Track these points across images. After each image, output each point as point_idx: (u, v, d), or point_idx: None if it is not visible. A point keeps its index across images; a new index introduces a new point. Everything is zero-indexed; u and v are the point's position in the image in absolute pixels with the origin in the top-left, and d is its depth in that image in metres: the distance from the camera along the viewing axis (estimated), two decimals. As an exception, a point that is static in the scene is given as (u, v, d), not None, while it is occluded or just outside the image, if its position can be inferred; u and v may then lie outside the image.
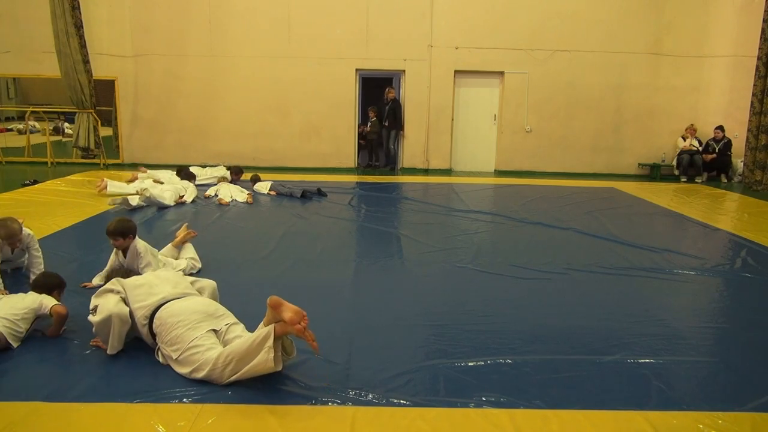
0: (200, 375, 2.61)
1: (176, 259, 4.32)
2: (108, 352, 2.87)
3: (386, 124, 10.99)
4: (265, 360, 2.48)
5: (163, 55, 10.56)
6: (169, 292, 2.94)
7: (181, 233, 4.48)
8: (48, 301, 3.13)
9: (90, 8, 10.18)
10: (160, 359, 2.80)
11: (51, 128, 11.53)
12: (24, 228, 3.97)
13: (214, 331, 2.76)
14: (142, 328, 2.88)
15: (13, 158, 10.70)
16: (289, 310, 2.49)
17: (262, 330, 2.55)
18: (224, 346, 2.70)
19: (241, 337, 2.76)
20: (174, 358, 2.70)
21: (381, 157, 11.38)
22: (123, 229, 3.79)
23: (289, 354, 2.64)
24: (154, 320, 2.82)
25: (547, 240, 5.76)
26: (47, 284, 3.31)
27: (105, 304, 2.88)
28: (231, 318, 2.89)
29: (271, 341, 2.48)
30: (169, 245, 4.41)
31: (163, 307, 2.84)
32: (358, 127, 11.38)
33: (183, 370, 2.67)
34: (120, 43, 10.49)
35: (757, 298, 4.13)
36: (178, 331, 2.71)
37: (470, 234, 5.92)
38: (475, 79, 10.97)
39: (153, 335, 2.85)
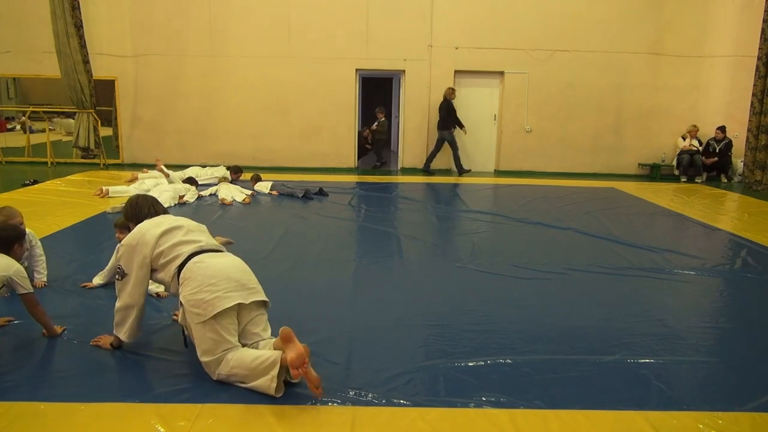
0: (208, 370, 2.62)
1: None
2: (124, 339, 2.86)
3: (457, 128, 10.55)
4: (267, 387, 2.49)
5: (163, 55, 10.56)
6: (206, 242, 2.83)
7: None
8: (18, 278, 2.93)
9: (90, 8, 10.19)
10: (179, 318, 2.75)
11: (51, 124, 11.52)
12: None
13: (240, 304, 2.65)
14: (170, 278, 2.75)
15: (13, 158, 10.71)
16: (293, 351, 2.42)
17: (271, 355, 2.51)
18: (242, 336, 2.67)
19: (261, 337, 2.71)
20: (194, 322, 2.61)
21: (389, 157, 11.34)
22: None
23: (293, 378, 2.61)
24: (183, 271, 2.69)
25: (547, 240, 5.76)
26: (4, 239, 3.05)
27: (130, 286, 2.77)
28: (260, 294, 2.76)
29: (276, 371, 2.46)
30: None
31: (197, 257, 2.72)
32: (362, 131, 11.35)
33: (198, 347, 2.61)
34: (120, 43, 10.50)
35: (757, 298, 4.14)
36: (205, 295, 2.59)
37: (470, 234, 5.92)
38: (475, 79, 10.97)
39: (178, 281, 2.72)
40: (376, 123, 11.44)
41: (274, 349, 2.58)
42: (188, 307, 2.63)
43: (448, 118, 10.40)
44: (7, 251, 3.05)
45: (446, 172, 11.05)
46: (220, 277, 2.64)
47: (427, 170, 10.68)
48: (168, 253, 2.77)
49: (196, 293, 2.61)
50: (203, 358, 2.61)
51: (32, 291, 3.01)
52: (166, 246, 2.78)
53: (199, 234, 2.91)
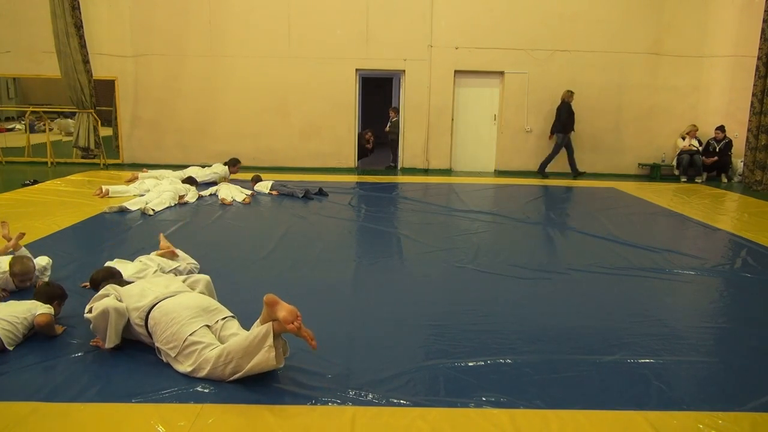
0: (202, 374, 2.62)
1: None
2: (106, 345, 2.88)
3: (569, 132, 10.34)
4: (266, 359, 2.52)
5: (163, 55, 10.56)
6: (161, 292, 2.97)
7: (163, 245, 4.27)
8: (39, 309, 3.09)
9: (90, 8, 10.18)
10: (163, 358, 2.81)
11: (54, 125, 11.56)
12: (43, 258, 3.98)
13: (208, 326, 2.78)
14: (138, 329, 2.90)
15: (13, 158, 10.71)
16: (283, 309, 2.51)
17: (261, 328, 2.56)
18: (221, 343, 2.72)
19: (237, 334, 2.77)
20: (173, 356, 2.72)
21: (397, 157, 11.33)
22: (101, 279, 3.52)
23: (284, 353, 2.65)
24: (149, 321, 2.84)
25: (547, 240, 5.76)
26: (49, 294, 3.27)
27: (101, 303, 2.91)
28: (224, 312, 2.91)
29: (270, 340, 2.51)
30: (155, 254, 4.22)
31: (156, 306, 2.86)
32: (364, 132, 11.31)
33: (183, 368, 2.67)
34: (120, 43, 10.49)
35: (757, 298, 4.13)
36: (172, 329, 2.73)
37: (470, 234, 5.92)
38: (475, 79, 10.97)
39: (150, 335, 2.86)
40: (389, 123, 11.43)
41: (262, 324, 2.62)
42: (165, 349, 2.75)
43: (567, 121, 10.26)
44: (49, 303, 3.20)
45: (445, 171, 11.05)
46: (179, 310, 2.79)
47: (542, 173, 10.54)
48: (128, 304, 2.93)
49: (164, 332, 2.75)
50: (189, 368, 2.66)
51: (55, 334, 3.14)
52: (126, 298, 2.96)
53: (154, 288, 3.02)
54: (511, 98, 10.97)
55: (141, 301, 2.92)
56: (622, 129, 11.09)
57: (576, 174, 10.54)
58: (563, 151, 10.48)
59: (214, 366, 2.59)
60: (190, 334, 2.69)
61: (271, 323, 2.54)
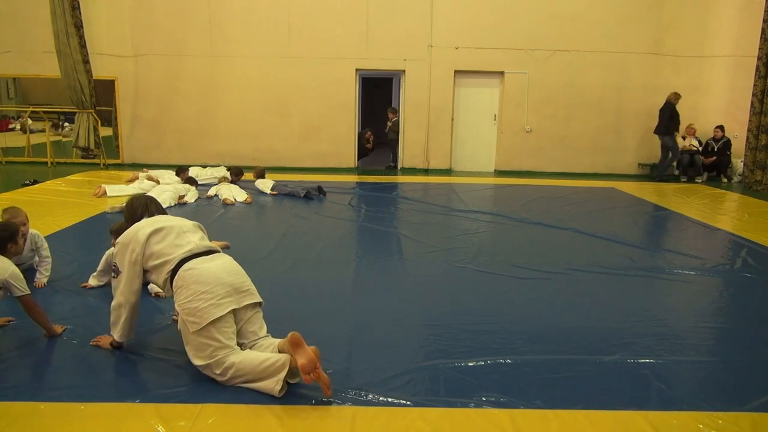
0: (207, 373, 2.62)
1: None
2: (117, 338, 2.86)
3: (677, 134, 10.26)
4: (270, 388, 2.50)
5: (163, 55, 10.56)
6: (196, 244, 2.81)
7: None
8: (14, 281, 2.91)
9: (90, 8, 10.19)
10: (179, 324, 2.72)
11: (50, 125, 11.51)
12: (31, 229, 3.97)
13: (234, 311, 2.67)
14: (163, 283, 2.77)
15: (13, 158, 10.71)
16: (304, 356, 2.43)
17: (279, 358, 2.52)
18: (239, 335, 2.68)
19: (258, 335, 2.73)
20: (190, 330, 2.61)
21: (397, 157, 11.34)
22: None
23: (294, 378, 2.60)
24: (176, 279, 2.68)
25: (547, 240, 5.76)
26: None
27: (122, 284, 2.78)
28: (254, 296, 2.78)
29: (283, 374, 2.48)
30: None
31: (188, 263, 2.70)
32: (364, 132, 11.31)
33: (191, 357, 2.63)
34: (120, 43, 10.50)
35: (757, 298, 4.13)
36: (200, 303, 2.59)
37: (470, 234, 5.92)
38: (475, 79, 10.97)
39: (172, 290, 2.74)
40: (390, 123, 11.43)
41: (280, 350, 2.59)
42: (183, 316, 2.65)
43: (670, 122, 10.14)
44: (3, 251, 3.05)
45: (445, 171, 11.05)
46: (213, 284, 2.63)
47: (661, 178, 10.42)
48: (159, 256, 2.76)
49: (190, 302, 2.61)
50: (198, 362, 2.61)
51: (29, 293, 2.99)
52: (156, 248, 2.77)
53: (191, 235, 2.88)
54: (511, 98, 10.97)
55: (173, 253, 2.74)
56: (622, 129, 11.10)
57: (661, 176, 10.47)
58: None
59: (222, 373, 2.57)
60: (214, 321, 2.57)
61: (289, 358, 2.48)
